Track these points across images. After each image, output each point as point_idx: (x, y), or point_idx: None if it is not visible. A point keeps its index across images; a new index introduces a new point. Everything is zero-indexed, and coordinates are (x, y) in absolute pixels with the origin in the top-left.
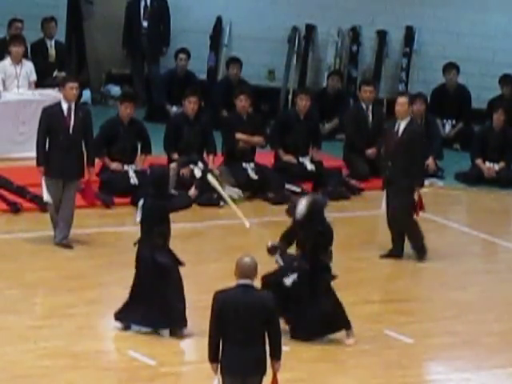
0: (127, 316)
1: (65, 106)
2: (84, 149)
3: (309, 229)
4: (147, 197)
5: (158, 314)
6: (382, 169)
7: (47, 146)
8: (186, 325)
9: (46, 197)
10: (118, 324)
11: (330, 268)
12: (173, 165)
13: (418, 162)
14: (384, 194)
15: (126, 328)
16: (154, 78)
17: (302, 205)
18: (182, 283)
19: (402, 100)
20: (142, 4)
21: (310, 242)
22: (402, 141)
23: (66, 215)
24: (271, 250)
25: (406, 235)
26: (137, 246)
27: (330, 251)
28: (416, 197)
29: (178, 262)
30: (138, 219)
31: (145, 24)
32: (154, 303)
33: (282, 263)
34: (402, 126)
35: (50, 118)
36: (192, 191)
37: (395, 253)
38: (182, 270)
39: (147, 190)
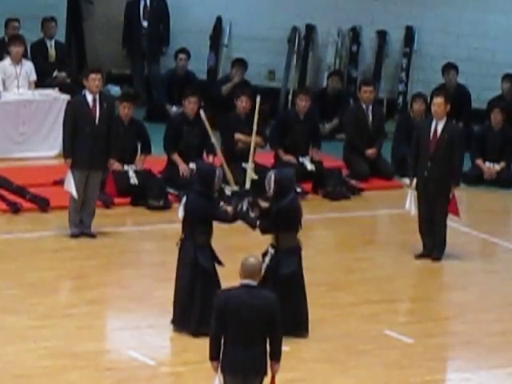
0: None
1: (89, 98)
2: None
3: (275, 203)
4: (191, 193)
5: (195, 317)
6: (411, 169)
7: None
8: None
9: (74, 192)
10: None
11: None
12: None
13: (458, 161)
14: (410, 193)
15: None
16: (155, 78)
17: (271, 178)
18: (220, 285)
19: (438, 100)
20: (142, 4)
21: (273, 218)
22: (443, 140)
23: (91, 205)
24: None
25: (436, 232)
26: (179, 244)
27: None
28: (451, 196)
29: (217, 263)
30: (180, 216)
31: (145, 24)
32: (191, 306)
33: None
34: (440, 125)
35: (76, 110)
36: (229, 208)
37: (427, 252)
38: None
39: (192, 187)
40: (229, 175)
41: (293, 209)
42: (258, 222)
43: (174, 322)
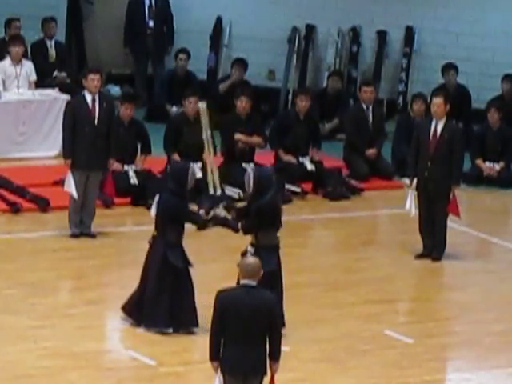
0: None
1: (89, 98)
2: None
3: (255, 201)
4: (164, 192)
5: (167, 315)
6: (411, 169)
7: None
8: (196, 325)
9: (75, 193)
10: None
11: (277, 250)
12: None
13: (458, 161)
14: (411, 193)
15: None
16: (159, 78)
17: (250, 177)
18: (192, 284)
19: (438, 100)
20: (147, 3)
21: (254, 216)
22: (443, 140)
23: (91, 205)
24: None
25: (436, 232)
26: (151, 242)
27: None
28: (451, 196)
29: (187, 263)
30: (153, 214)
31: (150, 24)
32: (162, 303)
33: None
34: (439, 125)
35: (75, 110)
36: (201, 211)
37: (427, 252)
38: None
39: (165, 185)
40: (210, 177)
41: (272, 206)
42: (239, 224)
43: (128, 313)
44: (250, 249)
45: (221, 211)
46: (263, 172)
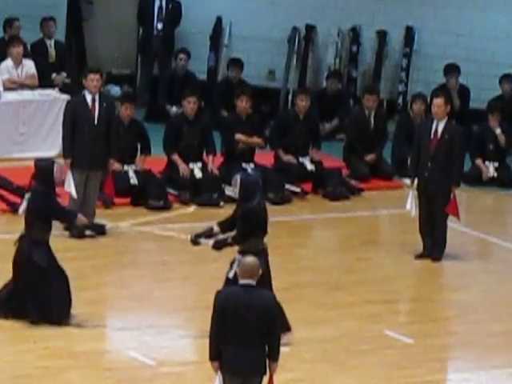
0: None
1: (89, 98)
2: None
3: (239, 208)
4: (32, 191)
5: (33, 308)
6: (412, 169)
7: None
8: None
9: (74, 192)
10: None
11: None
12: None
13: (458, 162)
14: (411, 194)
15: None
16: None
17: (236, 182)
18: (59, 281)
19: (438, 101)
20: (157, 4)
21: (239, 222)
22: (443, 141)
23: (91, 205)
24: (193, 241)
25: (436, 233)
26: (17, 241)
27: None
28: (451, 197)
29: (53, 261)
30: (20, 212)
31: (159, 26)
32: (27, 298)
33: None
34: (440, 126)
35: (75, 109)
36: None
37: (427, 252)
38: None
39: (34, 184)
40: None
41: (258, 212)
42: (228, 237)
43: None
44: (238, 256)
45: (207, 241)
46: (250, 178)
